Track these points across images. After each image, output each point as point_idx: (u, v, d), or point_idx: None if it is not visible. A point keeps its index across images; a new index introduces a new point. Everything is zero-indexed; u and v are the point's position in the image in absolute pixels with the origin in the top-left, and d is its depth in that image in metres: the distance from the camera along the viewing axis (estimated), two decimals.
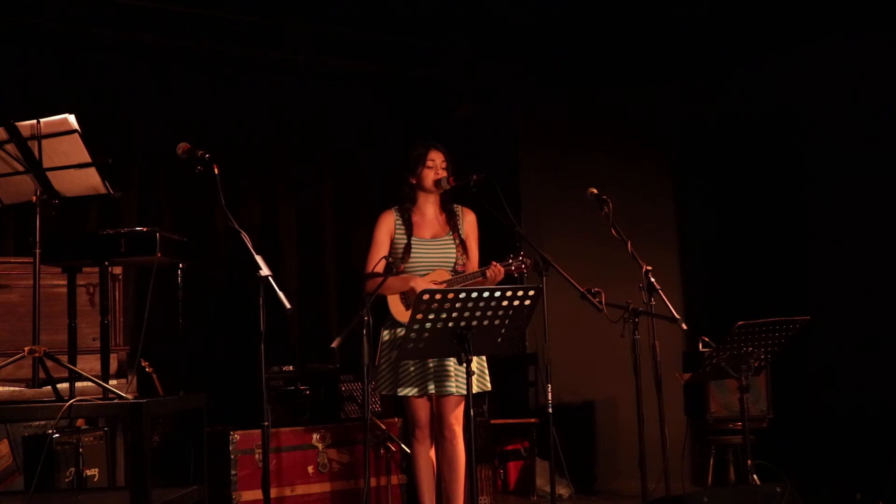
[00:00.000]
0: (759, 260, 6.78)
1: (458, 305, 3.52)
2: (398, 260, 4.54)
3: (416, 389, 4.46)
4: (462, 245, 4.62)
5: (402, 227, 4.61)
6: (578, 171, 6.76)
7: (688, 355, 6.20)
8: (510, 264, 4.43)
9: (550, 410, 4.49)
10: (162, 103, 6.10)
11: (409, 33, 6.61)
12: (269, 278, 3.82)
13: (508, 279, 4.48)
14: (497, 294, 3.57)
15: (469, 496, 4.25)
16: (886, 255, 6.04)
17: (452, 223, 4.66)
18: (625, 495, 6.40)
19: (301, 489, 5.20)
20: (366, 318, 4.21)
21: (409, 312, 3.68)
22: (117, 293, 4.98)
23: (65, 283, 4.09)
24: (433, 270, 4.54)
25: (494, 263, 4.42)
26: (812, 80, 6.46)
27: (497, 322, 3.63)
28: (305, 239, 6.61)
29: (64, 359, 3.84)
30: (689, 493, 4.69)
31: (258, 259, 3.84)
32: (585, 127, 7.03)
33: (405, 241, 4.57)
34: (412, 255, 4.55)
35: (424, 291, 3.50)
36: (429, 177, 4.60)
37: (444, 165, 4.60)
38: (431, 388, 4.43)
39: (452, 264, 4.59)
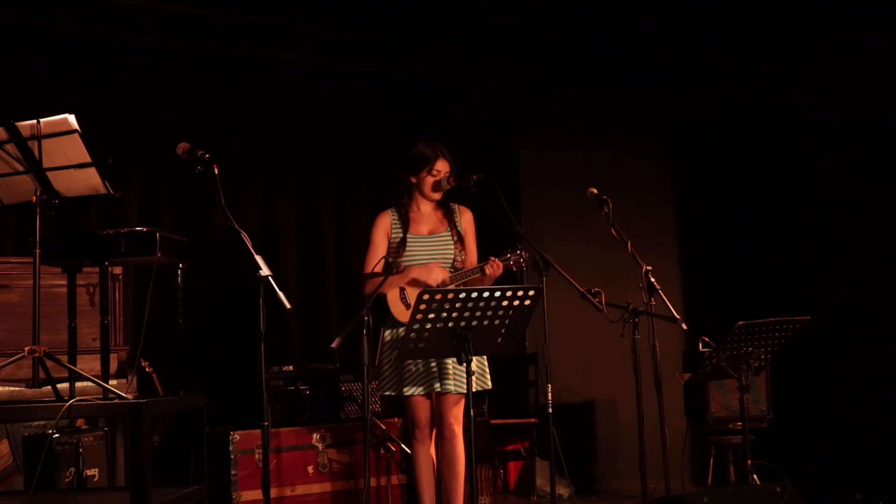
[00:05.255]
0: (759, 260, 6.78)
1: (457, 305, 3.52)
2: (396, 258, 4.53)
3: (420, 388, 4.46)
4: (460, 241, 4.62)
5: (399, 224, 4.61)
6: (578, 171, 6.76)
7: (688, 355, 6.20)
8: (508, 259, 4.43)
9: (550, 410, 4.49)
10: (162, 103, 6.11)
11: (409, 33, 6.61)
12: (269, 278, 3.82)
13: (507, 275, 4.49)
14: (497, 294, 3.57)
15: (469, 496, 4.25)
16: (887, 255, 6.04)
17: (450, 220, 4.66)
18: (625, 495, 6.40)
19: (301, 489, 5.20)
20: (366, 318, 4.22)
21: (409, 312, 3.68)
22: (117, 293, 4.97)
23: (65, 283, 4.10)
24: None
25: (493, 259, 4.42)
26: (811, 81, 6.45)
27: (497, 322, 3.63)
28: (305, 239, 6.62)
29: (64, 359, 3.84)
30: (689, 493, 4.68)
31: (258, 259, 3.84)
32: (585, 127, 7.03)
33: (401, 236, 4.58)
34: (410, 251, 4.55)
35: (424, 291, 3.50)
36: (431, 183, 4.59)
37: (447, 174, 4.59)
38: (437, 386, 4.43)
39: (451, 261, 4.59)
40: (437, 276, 4.48)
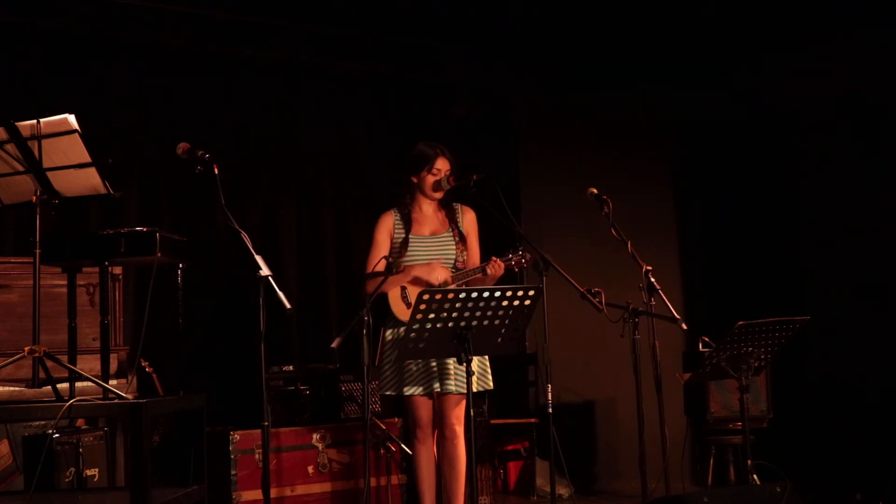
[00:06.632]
0: (759, 260, 6.79)
1: (458, 305, 3.52)
2: (397, 258, 4.54)
3: (420, 388, 4.46)
4: (462, 242, 4.62)
5: (401, 224, 4.62)
6: (578, 171, 6.76)
7: (688, 355, 6.20)
8: (510, 259, 4.44)
9: (550, 410, 4.48)
10: (162, 103, 6.10)
11: (410, 33, 6.61)
12: (269, 278, 3.82)
13: (508, 275, 4.49)
14: (497, 294, 3.57)
15: (469, 496, 4.25)
16: (887, 255, 6.04)
17: (452, 220, 4.67)
18: (625, 495, 6.40)
19: (301, 489, 5.20)
20: (366, 318, 4.22)
21: (410, 311, 3.68)
22: (117, 293, 4.97)
23: (65, 283, 4.09)
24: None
25: (494, 259, 4.43)
26: (811, 81, 6.46)
27: (497, 322, 3.63)
28: (305, 239, 6.61)
29: (64, 359, 3.84)
30: (689, 493, 4.68)
31: (258, 259, 3.84)
32: (585, 127, 7.03)
33: (403, 237, 4.58)
34: (411, 251, 4.56)
35: (424, 291, 3.50)
36: (431, 182, 4.60)
37: (448, 173, 4.59)
38: (437, 386, 4.44)
39: (452, 261, 4.59)
40: (438, 274, 4.48)
